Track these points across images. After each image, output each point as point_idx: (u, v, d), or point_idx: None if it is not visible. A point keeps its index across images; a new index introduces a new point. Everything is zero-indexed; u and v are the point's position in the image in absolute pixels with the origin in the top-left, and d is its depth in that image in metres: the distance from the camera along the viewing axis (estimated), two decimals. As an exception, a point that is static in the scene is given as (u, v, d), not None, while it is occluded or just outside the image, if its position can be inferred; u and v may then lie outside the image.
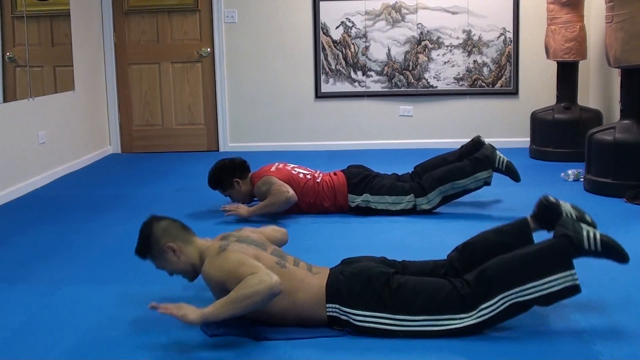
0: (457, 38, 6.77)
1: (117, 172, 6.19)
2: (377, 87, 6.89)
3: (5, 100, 5.16)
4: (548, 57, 6.21)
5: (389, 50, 6.83)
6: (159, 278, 3.33)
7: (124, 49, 6.99)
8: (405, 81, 6.86)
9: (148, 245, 2.77)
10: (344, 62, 6.88)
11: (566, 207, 2.78)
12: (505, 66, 6.78)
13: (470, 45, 6.76)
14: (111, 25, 6.92)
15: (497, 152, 4.37)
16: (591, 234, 2.57)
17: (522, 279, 2.53)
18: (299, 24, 6.87)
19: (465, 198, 4.47)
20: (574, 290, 2.53)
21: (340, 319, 2.63)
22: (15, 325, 2.84)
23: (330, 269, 2.76)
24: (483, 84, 6.81)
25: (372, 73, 6.87)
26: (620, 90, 5.01)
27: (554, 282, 2.52)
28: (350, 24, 6.83)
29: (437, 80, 6.83)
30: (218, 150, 7.00)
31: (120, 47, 6.98)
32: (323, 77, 6.91)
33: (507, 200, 4.60)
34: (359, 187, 4.38)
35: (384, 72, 6.86)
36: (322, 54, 6.87)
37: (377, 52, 6.84)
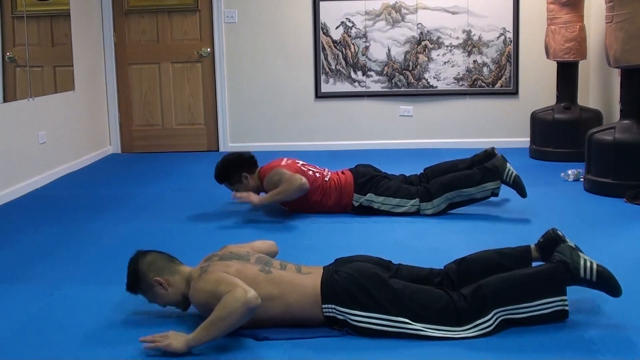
0: (457, 38, 6.77)
1: (117, 172, 6.19)
2: (377, 87, 6.89)
3: (5, 100, 5.16)
4: (548, 57, 6.21)
5: (389, 50, 6.83)
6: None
7: (124, 49, 6.99)
8: (405, 81, 6.86)
9: (136, 281, 2.77)
10: (344, 62, 6.88)
11: (570, 243, 2.80)
12: (505, 66, 6.78)
13: (470, 45, 6.77)
14: (111, 25, 6.92)
15: (508, 164, 4.34)
16: (588, 264, 2.64)
17: (517, 298, 2.60)
18: (299, 24, 6.87)
19: (466, 198, 4.47)
20: (562, 315, 2.63)
21: (338, 319, 2.63)
22: (15, 325, 2.84)
23: (323, 268, 2.76)
24: (483, 84, 6.81)
25: (372, 73, 6.87)
26: (620, 90, 5.01)
27: (546, 305, 2.61)
28: (350, 24, 6.83)
29: (437, 80, 6.83)
30: (218, 150, 7.00)
31: (120, 47, 6.98)
32: (323, 77, 6.91)
33: (508, 201, 4.59)
34: (365, 187, 4.37)
35: (384, 72, 6.86)
36: (322, 54, 6.87)
37: (377, 52, 6.84)
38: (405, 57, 6.82)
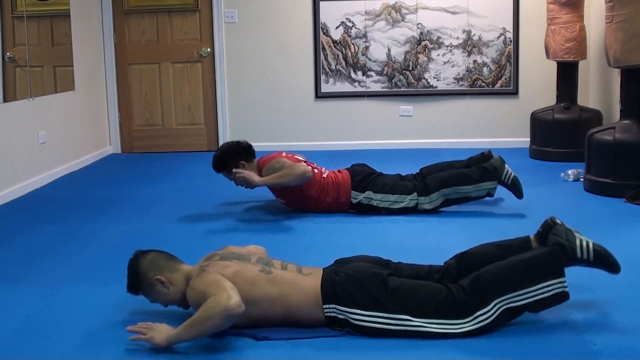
0: (457, 38, 6.77)
1: (117, 172, 6.19)
2: (377, 87, 6.89)
3: (5, 100, 5.16)
4: (548, 57, 6.21)
5: (389, 50, 6.83)
6: (159, 278, 3.34)
7: (124, 49, 6.99)
8: (405, 81, 6.86)
9: (137, 280, 2.76)
10: (344, 62, 6.88)
11: (568, 227, 2.76)
12: (505, 66, 6.78)
13: (470, 45, 6.77)
14: (111, 25, 6.92)
15: (506, 165, 4.36)
16: (584, 243, 2.63)
17: (515, 285, 2.58)
18: (299, 24, 6.87)
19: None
20: (563, 297, 2.60)
21: (339, 319, 2.63)
22: (15, 325, 2.83)
23: (323, 269, 2.76)
24: (483, 84, 6.81)
25: (372, 73, 6.87)
26: (620, 90, 5.01)
27: (545, 288, 2.58)
28: (350, 24, 6.83)
29: (437, 80, 6.83)
30: (218, 150, 7.00)
31: (120, 47, 6.98)
32: (323, 77, 6.91)
33: (507, 200, 4.59)
34: (362, 185, 4.38)
35: (384, 72, 6.86)
36: (322, 54, 6.87)
37: (377, 52, 6.84)
38: (405, 57, 6.82)
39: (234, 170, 4.29)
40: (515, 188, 4.35)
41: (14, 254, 3.84)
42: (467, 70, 6.80)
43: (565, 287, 2.58)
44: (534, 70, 6.75)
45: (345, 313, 2.61)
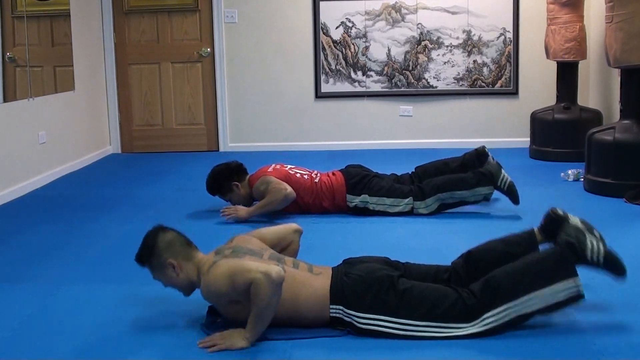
0: (457, 38, 6.77)
1: (117, 172, 6.19)
2: (377, 87, 6.89)
3: (5, 100, 5.16)
4: (548, 57, 6.21)
5: (389, 50, 6.83)
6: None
7: (124, 49, 6.99)
8: (405, 81, 6.86)
9: (149, 256, 2.74)
10: (344, 62, 6.88)
11: (574, 220, 2.74)
12: (505, 66, 6.78)
13: (470, 45, 6.77)
14: (111, 25, 6.92)
15: (503, 170, 4.35)
16: (595, 246, 2.60)
17: (527, 288, 2.55)
18: (299, 24, 6.87)
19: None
20: (578, 298, 2.56)
21: (344, 320, 2.63)
22: (15, 325, 2.83)
23: (332, 269, 2.76)
24: (483, 84, 6.81)
25: (372, 73, 6.87)
26: (620, 90, 5.01)
27: (559, 291, 2.55)
28: (350, 24, 6.83)
29: (437, 80, 6.83)
30: (218, 150, 7.00)
31: (120, 47, 6.98)
32: (323, 77, 6.91)
33: (507, 201, 4.59)
34: (358, 188, 4.38)
35: (384, 72, 6.86)
36: (322, 54, 6.87)
37: (377, 52, 6.84)
38: (405, 57, 6.82)
39: (221, 211, 4.35)
40: (512, 194, 4.32)
41: (14, 254, 3.84)
42: (467, 70, 6.80)
43: (580, 287, 2.55)
44: (534, 70, 6.75)
45: (351, 316, 2.60)
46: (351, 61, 6.87)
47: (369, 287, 2.60)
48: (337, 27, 6.84)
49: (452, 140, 6.85)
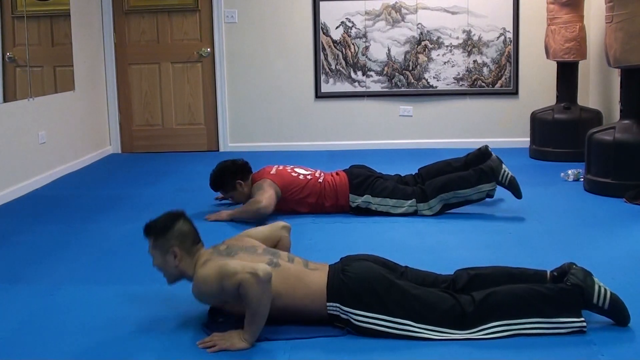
0: (457, 38, 6.77)
1: (117, 172, 6.19)
2: (377, 87, 6.89)
3: (5, 100, 5.16)
4: (548, 57, 6.21)
5: (389, 50, 6.83)
6: (158, 278, 3.33)
7: (124, 49, 6.99)
8: (405, 81, 6.86)
9: (160, 234, 2.74)
10: (344, 62, 6.88)
11: (590, 279, 2.68)
12: (505, 66, 6.78)
13: (470, 45, 6.77)
14: (111, 25, 6.92)
15: (504, 165, 4.34)
16: (602, 291, 2.61)
17: (529, 312, 2.57)
18: (299, 24, 6.87)
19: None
20: (579, 333, 2.58)
21: (341, 318, 2.63)
22: (15, 325, 2.84)
23: (329, 266, 2.76)
24: (483, 84, 6.81)
25: (372, 73, 6.87)
26: (620, 90, 5.01)
27: (563, 324, 2.57)
28: (350, 24, 6.83)
29: (437, 80, 6.83)
30: (218, 150, 7.00)
31: (120, 47, 6.98)
32: (323, 77, 6.91)
33: (508, 201, 4.59)
34: (361, 188, 4.37)
35: (384, 72, 6.86)
36: (322, 54, 6.87)
37: (377, 52, 6.84)
38: (405, 57, 6.82)
39: (206, 217, 4.38)
40: (514, 188, 4.34)
41: (14, 254, 3.84)
42: (467, 70, 6.80)
43: (585, 327, 2.57)
44: (534, 70, 6.75)
45: (348, 313, 2.61)
46: (351, 61, 6.87)
47: (366, 286, 2.61)
48: (337, 27, 6.84)
49: (452, 140, 6.85)
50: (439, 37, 6.77)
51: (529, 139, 6.45)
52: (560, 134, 6.05)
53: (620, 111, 4.93)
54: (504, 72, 6.79)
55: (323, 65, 6.89)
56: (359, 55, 6.85)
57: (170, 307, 2.94)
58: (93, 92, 6.72)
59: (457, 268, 2.88)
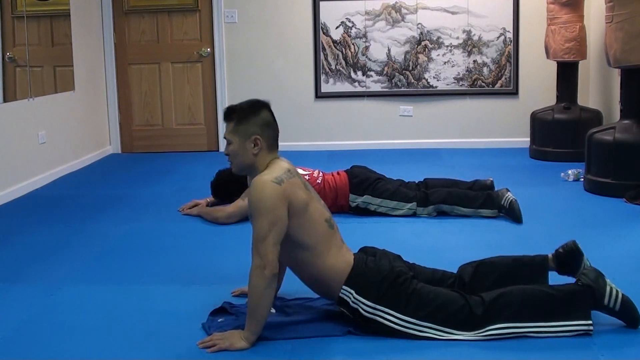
0: (457, 38, 6.77)
1: (117, 172, 6.19)
2: (377, 87, 6.89)
3: (5, 100, 5.16)
4: (548, 57, 6.21)
5: (389, 50, 6.83)
6: (158, 278, 3.34)
7: (124, 49, 6.99)
8: (405, 81, 6.86)
9: (244, 117, 2.64)
10: (344, 62, 6.88)
11: (602, 280, 2.67)
12: (505, 66, 6.78)
13: (470, 45, 6.77)
14: (111, 25, 6.92)
15: (509, 194, 4.25)
16: (614, 292, 2.60)
17: (538, 316, 2.57)
18: (299, 24, 6.87)
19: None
20: (585, 335, 2.58)
21: (350, 306, 2.62)
22: (15, 325, 2.83)
23: (354, 253, 2.76)
24: (483, 84, 6.81)
25: (372, 73, 6.87)
26: (620, 90, 5.01)
27: (569, 327, 2.56)
28: (350, 24, 6.83)
29: (437, 80, 6.83)
30: (218, 150, 6.99)
31: (120, 47, 6.98)
32: (323, 77, 6.91)
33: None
34: (361, 188, 4.37)
35: (384, 72, 6.86)
36: (322, 54, 6.87)
37: (377, 52, 6.84)
38: (405, 57, 6.82)
39: (184, 211, 4.55)
40: (514, 212, 4.18)
41: (14, 254, 3.84)
42: (467, 70, 6.80)
43: (591, 330, 2.57)
44: (534, 70, 6.75)
45: (358, 302, 2.60)
46: (351, 61, 6.87)
47: (383, 279, 2.61)
48: (337, 27, 6.84)
49: (452, 140, 6.85)
50: (439, 37, 6.77)
51: (529, 139, 6.45)
52: (560, 134, 6.05)
53: (620, 111, 4.93)
54: (504, 72, 6.79)
55: (323, 65, 6.89)
56: (359, 55, 6.85)
57: (170, 306, 2.94)
58: (93, 92, 6.72)
59: (457, 268, 2.89)
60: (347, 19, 6.82)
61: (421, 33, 6.78)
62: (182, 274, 3.38)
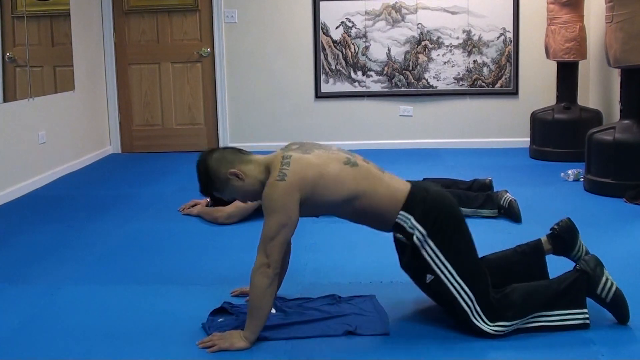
0: (457, 38, 6.77)
1: (117, 172, 6.19)
2: (377, 87, 6.89)
3: (5, 100, 5.16)
4: (548, 57, 6.21)
5: (389, 50, 6.83)
6: (158, 278, 3.34)
7: (124, 49, 6.99)
8: (405, 81, 6.86)
9: (209, 180, 2.67)
10: (344, 62, 6.88)
11: (600, 270, 2.70)
12: (505, 66, 6.78)
13: (470, 45, 6.77)
14: (111, 25, 6.92)
15: (508, 194, 4.28)
16: (608, 283, 2.63)
17: (539, 307, 2.60)
18: (299, 24, 6.87)
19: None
20: (583, 327, 2.60)
21: (406, 230, 2.60)
22: (15, 325, 2.83)
23: (411, 181, 2.74)
24: (483, 84, 6.81)
25: (372, 73, 6.87)
26: (620, 90, 5.01)
27: (567, 316, 2.60)
28: (350, 24, 6.83)
29: (437, 80, 6.83)
30: (218, 150, 6.99)
31: (120, 47, 6.98)
32: (323, 77, 6.91)
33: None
34: None
35: (384, 72, 6.86)
36: (322, 54, 6.87)
37: (377, 52, 6.84)
38: (405, 57, 6.82)
39: (184, 211, 4.56)
40: (513, 212, 4.20)
41: (14, 254, 3.84)
42: (467, 70, 6.80)
43: (587, 319, 2.60)
44: (534, 70, 6.75)
45: (415, 228, 2.58)
46: (351, 61, 6.87)
47: (439, 211, 2.61)
48: (337, 27, 6.84)
49: (452, 140, 6.86)
50: (439, 37, 6.77)
51: (529, 139, 6.45)
52: (560, 134, 6.05)
53: (620, 111, 4.93)
54: (504, 72, 6.79)
55: (323, 65, 6.89)
56: (359, 55, 6.85)
57: (170, 306, 2.94)
58: (93, 92, 6.72)
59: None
60: (347, 19, 6.82)
61: (421, 33, 6.78)
62: (182, 274, 3.38)
